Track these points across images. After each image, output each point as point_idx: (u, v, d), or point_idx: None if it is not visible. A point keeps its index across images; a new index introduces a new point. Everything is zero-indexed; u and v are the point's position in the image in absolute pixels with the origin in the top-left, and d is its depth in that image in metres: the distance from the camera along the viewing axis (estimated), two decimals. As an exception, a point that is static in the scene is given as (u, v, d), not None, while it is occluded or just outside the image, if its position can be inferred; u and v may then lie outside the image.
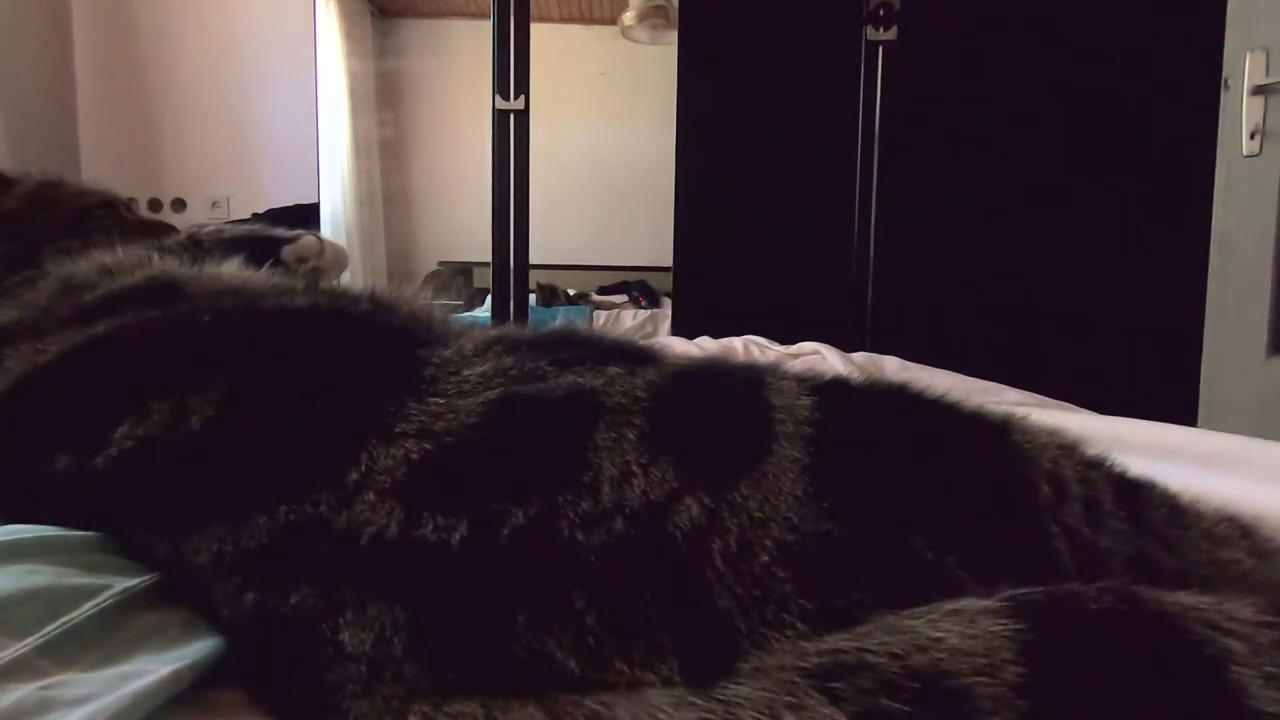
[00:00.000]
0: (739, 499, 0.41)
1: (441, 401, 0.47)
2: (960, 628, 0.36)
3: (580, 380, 0.48)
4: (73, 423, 0.53)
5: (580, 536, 0.40)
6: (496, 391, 0.48)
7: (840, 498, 0.41)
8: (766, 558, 0.39)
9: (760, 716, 0.33)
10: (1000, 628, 0.35)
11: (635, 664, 0.37)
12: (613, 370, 0.48)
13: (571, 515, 0.40)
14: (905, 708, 0.33)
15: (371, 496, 0.43)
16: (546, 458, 0.44)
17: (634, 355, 0.53)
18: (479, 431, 0.45)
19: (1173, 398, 1.87)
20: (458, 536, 0.40)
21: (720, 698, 0.34)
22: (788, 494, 0.41)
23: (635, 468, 0.42)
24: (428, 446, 0.44)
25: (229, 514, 0.45)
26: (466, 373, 0.49)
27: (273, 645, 0.43)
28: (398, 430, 0.45)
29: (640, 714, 0.34)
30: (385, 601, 0.40)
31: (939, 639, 0.35)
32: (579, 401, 0.46)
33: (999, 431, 0.49)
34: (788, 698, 0.33)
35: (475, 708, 0.37)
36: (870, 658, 0.34)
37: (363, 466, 0.44)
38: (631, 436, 0.43)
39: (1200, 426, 1.84)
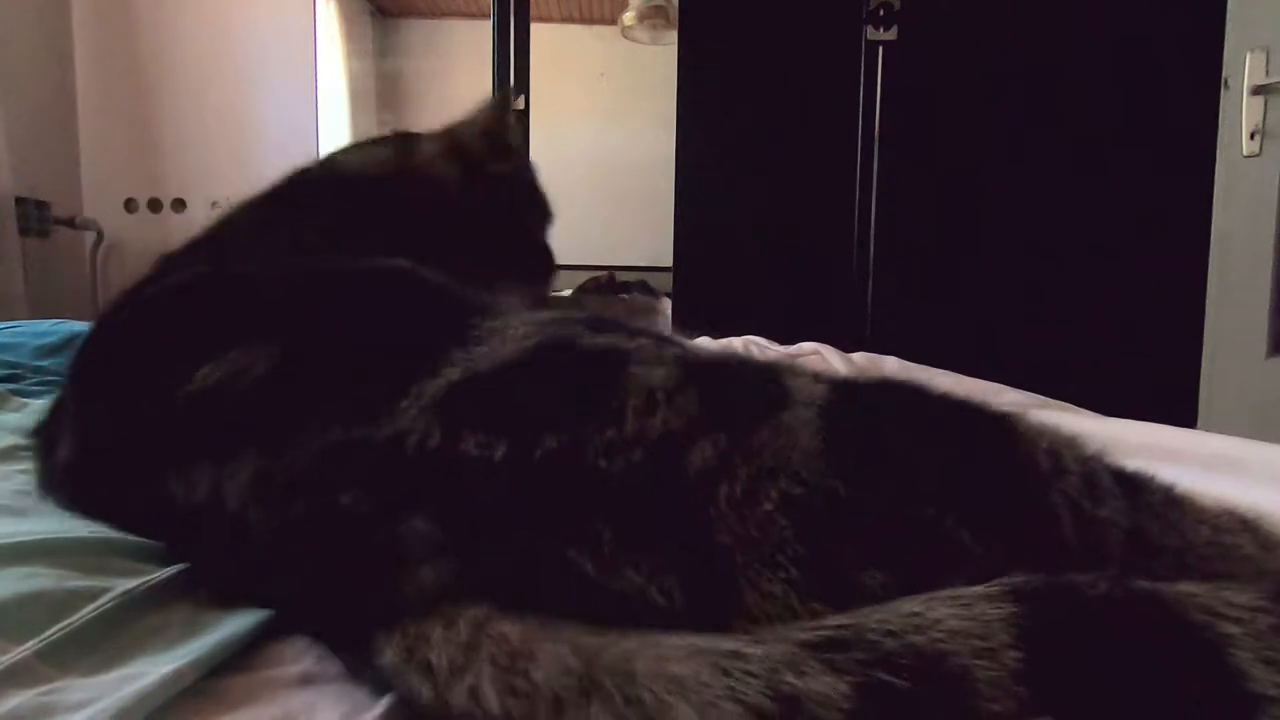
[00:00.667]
0: (755, 444, 0.44)
1: (485, 349, 0.52)
2: (957, 610, 0.36)
3: (613, 340, 0.53)
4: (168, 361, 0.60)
5: (603, 464, 0.44)
6: (535, 340, 0.53)
7: (847, 457, 0.44)
8: (770, 506, 0.42)
9: (766, 671, 0.34)
10: (998, 611, 0.36)
11: (643, 574, 0.41)
12: (643, 340, 0.53)
13: (597, 442, 0.45)
14: (905, 682, 0.34)
15: (417, 414, 0.48)
16: (580, 388, 0.48)
17: (662, 337, 0.57)
18: (517, 367, 0.51)
19: (1173, 398, 1.87)
20: (499, 453, 0.45)
21: (727, 648, 0.36)
22: (801, 447, 0.44)
23: (661, 397, 0.46)
24: (470, 377, 0.50)
25: (280, 432, 0.50)
26: (509, 331, 0.55)
27: (316, 549, 0.46)
28: (443, 370, 0.50)
29: (652, 663, 0.36)
30: (429, 503, 0.45)
31: (937, 620, 0.36)
32: (612, 351, 0.51)
33: (1000, 418, 0.51)
34: (790, 661, 0.34)
35: (514, 629, 0.39)
36: (869, 635, 0.36)
37: (411, 396, 0.49)
38: (660, 372, 0.48)
39: (1200, 427, 1.84)
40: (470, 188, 1.00)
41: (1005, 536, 0.43)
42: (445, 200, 0.97)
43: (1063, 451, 0.49)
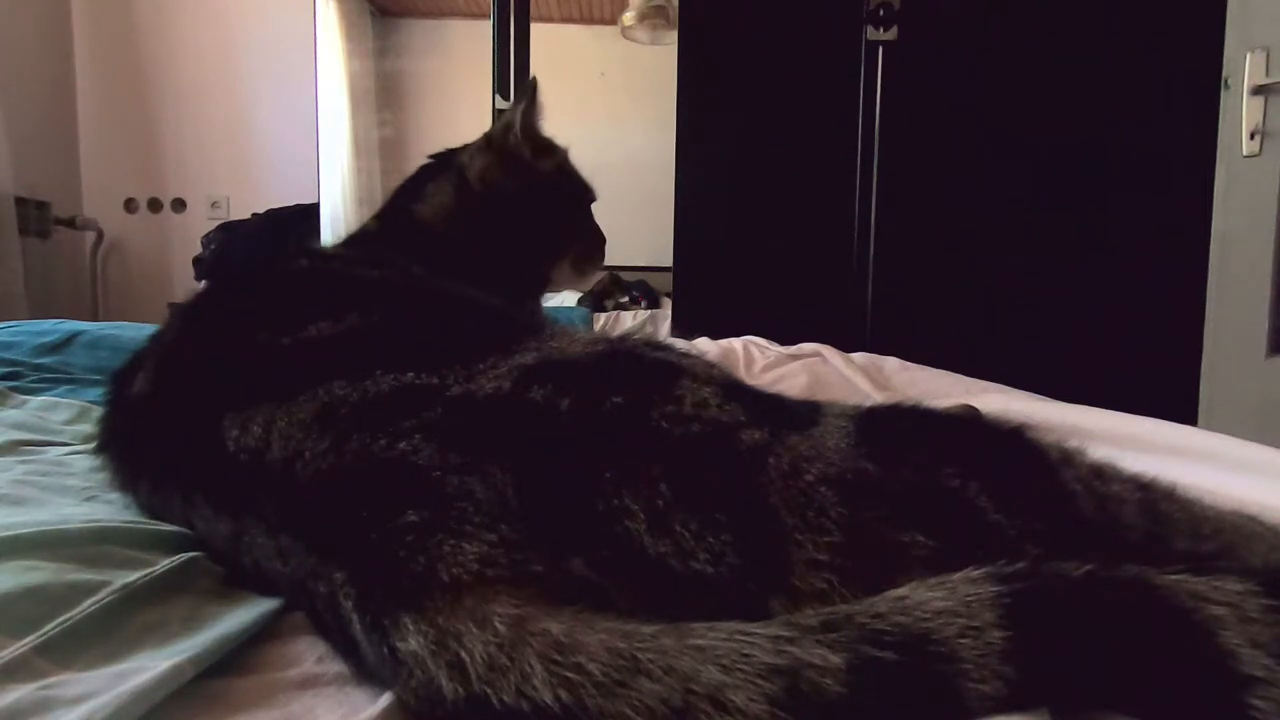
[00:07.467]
0: (791, 441, 0.48)
1: (557, 345, 0.57)
2: (942, 593, 0.39)
3: (669, 356, 0.58)
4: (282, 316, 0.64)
5: (665, 425, 0.48)
6: (602, 347, 0.58)
7: (876, 448, 0.48)
8: (811, 477, 0.46)
9: (770, 642, 0.37)
10: (980, 592, 0.38)
11: (693, 533, 0.43)
12: (694, 360, 0.59)
13: (660, 410, 0.49)
14: (892, 655, 0.36)
15: (490, 377, 0.51)
16: (642, 378, 0.53)
17: (710, 364, 0.62)
18: (588, 357, 0.56)
19: (1173, 398, 1.87)
20: (565, 403, 0.49)
21: (735, 627, 0.39)
22: (833, 447, 0.48)
23: (712, 401, 0.51)
24: (543, 359, 0.54)
25: (355, 371, 0.52)
26: (579, 336, 0.60)
27: (362, 494, 0.46)
28: (519, 353, 0.55)
29: (678, 638, 0.38)
30: (489, 450, 0.46)
31: (921, 602, 0.38)
32: (668, 362, 0.57)
33: (1013, 428, 0.54)
34: (790, 637, 0.38)
35: (556, 626, 0.39)
36: (859, 618, 0.38)
37: (488, 363, 0.53)
38: (708, 389, 0.52)
39: (1200, 426, 1.83)
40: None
41: (1026, 510, 0.45)
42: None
43: (1069, 448, 0.51)
